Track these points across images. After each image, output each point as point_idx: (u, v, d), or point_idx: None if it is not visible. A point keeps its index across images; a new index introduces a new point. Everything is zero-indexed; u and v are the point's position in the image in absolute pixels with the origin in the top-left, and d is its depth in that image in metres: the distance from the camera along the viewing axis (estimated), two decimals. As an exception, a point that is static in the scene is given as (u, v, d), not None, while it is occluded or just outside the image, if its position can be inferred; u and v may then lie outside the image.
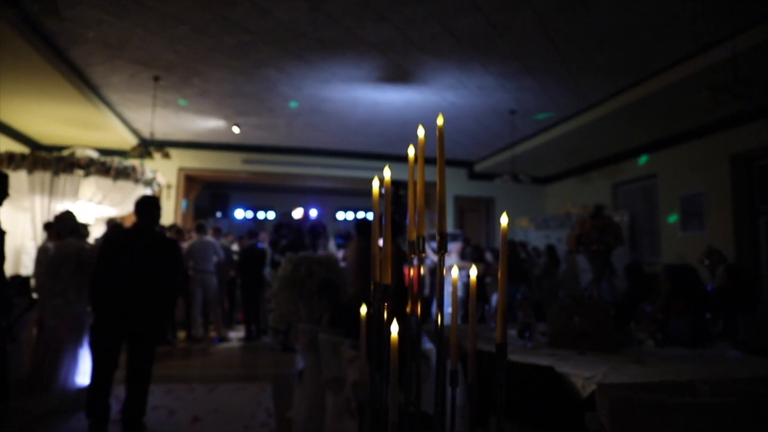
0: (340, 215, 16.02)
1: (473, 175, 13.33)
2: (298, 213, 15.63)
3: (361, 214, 16.06)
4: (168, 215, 11.28)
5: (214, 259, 7.89)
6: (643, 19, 5.57)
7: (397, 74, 7.33)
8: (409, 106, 8.67)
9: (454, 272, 1.52)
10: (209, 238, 8.16)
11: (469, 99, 8.32)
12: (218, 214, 12.15)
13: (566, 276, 10.59)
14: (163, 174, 10.78)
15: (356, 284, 5.68)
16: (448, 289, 9.54)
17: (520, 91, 7.93)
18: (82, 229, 6.94)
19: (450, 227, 12.97)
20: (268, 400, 5.20)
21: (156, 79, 7.54)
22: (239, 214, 14.71)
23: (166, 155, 8.03)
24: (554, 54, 6.54)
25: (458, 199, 13.25)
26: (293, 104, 8.36)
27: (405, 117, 9.31)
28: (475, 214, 13.94)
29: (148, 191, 9.31)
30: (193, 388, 5.62)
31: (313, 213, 15.39)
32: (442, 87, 7.82)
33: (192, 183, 11.93)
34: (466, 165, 13.18)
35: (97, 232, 8.79)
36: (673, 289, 4.35)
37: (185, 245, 8.05)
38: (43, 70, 6.80)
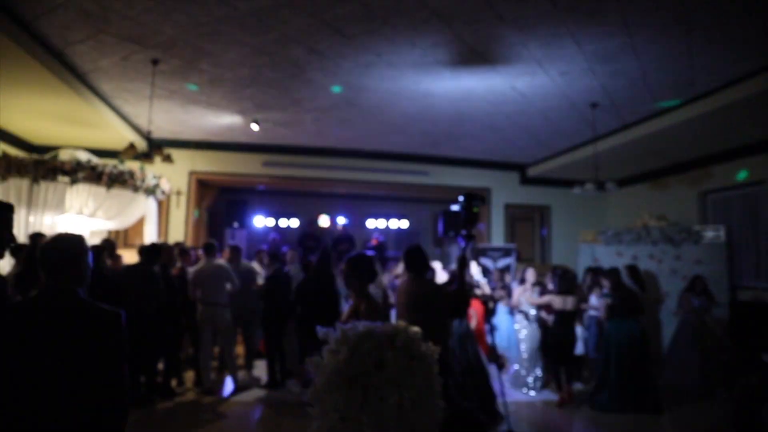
0: (371, 222, 14.37)
1: (526, 180, 11.57)
2: (324, 221, 14.07)
3: (394, 223, 14.40)
4: (178, 228, 9.76)
5: (228, 287, 6.29)
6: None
7: (462, 55, 5.66)
8: (468, 97, 6.98)
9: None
10: (221, 261, 6.56)
11: (545, 88, 6.61)
12: (235, 224, 10.62)
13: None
14: (169, 180, 9.27)
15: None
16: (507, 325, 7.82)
17: (613, 77, 6.19)
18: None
19: (500, 239, 11.24)
20: None
21: (154, 62, 5.99)
22: (259, 221, 13.16)
23: (168, 158, 6.47)
24: (680, 20, 4.81)
25: (509, 208, 11.51)
26: (336, 89, 6.70)
27: (459, 112, 7.63)
28: (527, 225, 12.18)
29: (150, 201, 7.79)
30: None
31: (341, 221, 13.79)
32: (515, 73, 6.13)
33: (205, 189, 10.41)
34: (518, 168, 11.42)
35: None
36: None
37: (192, 270, 6.48)
38: (5, 49, 5.28)
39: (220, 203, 11.32)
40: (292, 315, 6.59)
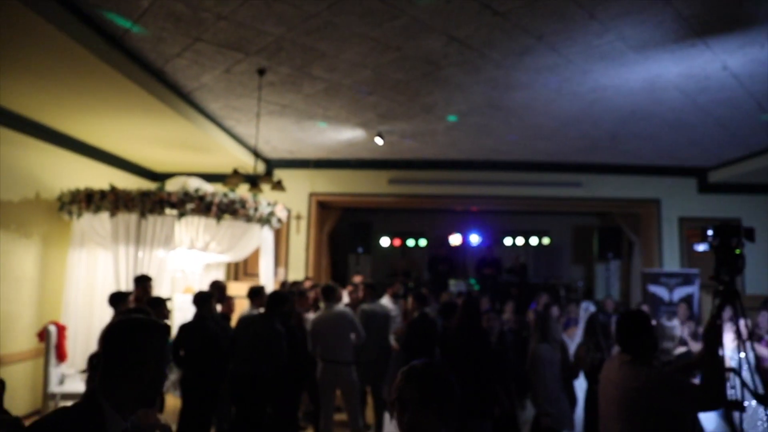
0: (508, 240, 12.72)
1: (706, 188, 9.26)
2: (455, 239, 12.66)
3: (534, 240, 12.60)
4: (298, 257, 8.88)
5: (352, 338, 5.11)
6: None
7: (664, 26, 4.00)
8: (651, 87, 5.24)
9: None
10: (342, 308, 5.38)
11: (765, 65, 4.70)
12: (359, 249, 9.60)
13: None
14: (288, 204, 8.43)
15: None
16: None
17: None
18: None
19: (674, 262, 9.08)
20: None
21: (261, 72, 5.02)
22: (384, 242, 12.08)
23: (279, 186, 5.47)
24: None
25: (685, 222, 9.28)
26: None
27: (634, 107, 5.88)
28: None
29: (266, 230, 6.92)
30: None
31: (475, 239, 12.27)
32: (733, 46, 4.33)
33: (326, 211, 9.51)
34: (696, 174, 9.16)
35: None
36: None
37: (310, 319, 5.39)
38: (98, 70, 4.56)
39: (341, 226, 10.37)
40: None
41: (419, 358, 5.12)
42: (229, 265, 8.76)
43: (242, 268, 8.81)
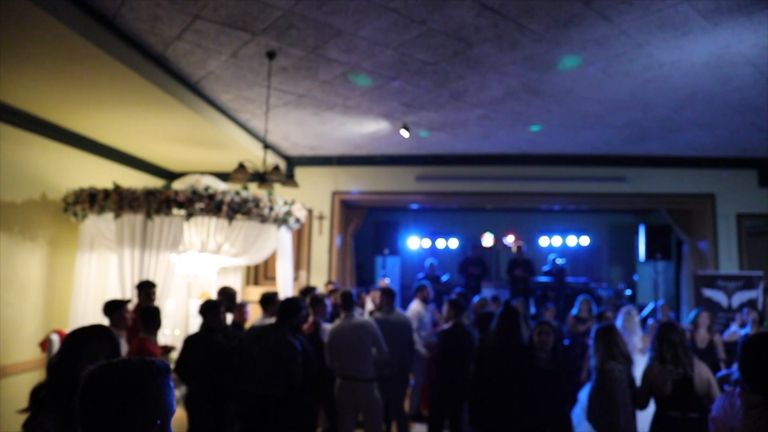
0: (543, 241, 11.98)
1: (768, 181, 8.41)
2: (488, 240, 11.97)
3: (572, 240, 11.82)
4: (320, 260, 8.37)
5: (373, 352, 4.55)
6: None
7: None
8: (718, 63, 4.54)
9: None
10: (364, 319, 4.81)
11: None
12: (386, 251, 9.05)
13: None
14: (309, 203, 7.95)
15: None
16: None
17: None
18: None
19: (732, 264, 8.24)
20: None
21: (270, 55, 4.51)
22: (413, 243, 11.48)
23: (289, 181, 4.95)
24: None
25: (743, 219, 8.42)
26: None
27: (694, 88, 5.17)
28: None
29: (283, 231, 6.43)
30: None
31: (510, 240, 11.57)
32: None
33: (351, 211, 8.98)
34: (757, 165, 8.30)
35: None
36: None
37: (329, 328, 4.84)
38: (96, 58, 4.13)
39: (367, 227, 9.81)
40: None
41: (452, 373, 4.52)
42: (248, 269, 8.33)
43: (262, 272, 8.36)
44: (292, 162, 8.41)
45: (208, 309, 4.44)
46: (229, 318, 5.12)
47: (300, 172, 8.44)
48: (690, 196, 8.39)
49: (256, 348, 4.15)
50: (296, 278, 8.09)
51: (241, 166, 4.59)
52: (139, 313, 4.12)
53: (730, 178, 8.28)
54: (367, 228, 9.83)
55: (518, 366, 4.05)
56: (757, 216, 8.47)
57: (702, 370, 3.38)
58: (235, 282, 7.34)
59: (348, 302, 4.63)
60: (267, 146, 5.11)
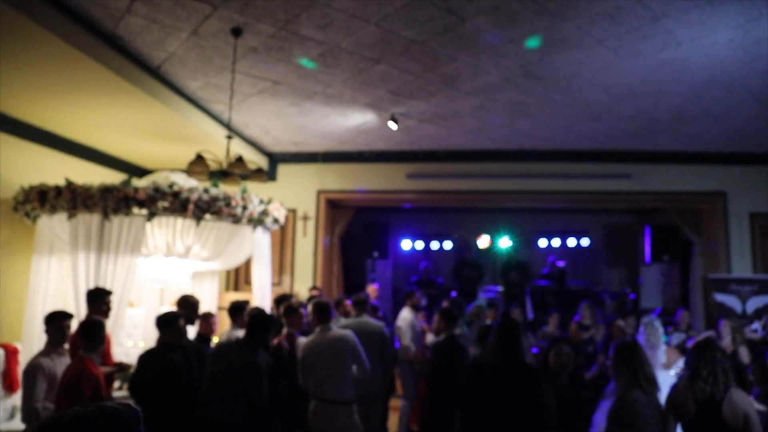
0: (542, 242, 11.44)
1: (782, 177, 7.88)
2: (483, 241, 11.43)
3: (572, 241, 11.27)
4: (305, 264, 7.79)
5: (353, 370, 3.98)
6: None
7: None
8: (744, 36, 4.01)
9: None
10: (343, 332, 4.20)
11: None
12: (375, 254, 8.49)
13: None
14: (292, 202, 7.40)
15: None
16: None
17: None
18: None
19: (745, 266, 7.71)
20: None
21: (236, 32, 3.97)
22: (406, 245, 10.91)
23: (255, 175, 4.40)
24: None
25: (757, 219, 7.88)
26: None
27: (710, 75, 4.64)
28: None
29: (260, 233, 5.86)
30: None
31: (505, 243, 11.00)
32: None
33: (338, 211, 8.42)
34: (770, 161, 7.80)
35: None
36: None
37: (302, 342, 4.26)
38: (40, 38, 3.58)
39: (355, 228, 9.24)
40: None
41: (444, 391, 3.94)
42: (227, 274, 7.77)
43: (243, 277, 7.79)
44: (275, 159, 7.86)
45: (164, 323, 3.88)
46: (193, 331, 4.56)
47: (283, 170, 7.89)
48: (700, 194, 7.87)
49: (217, 367, 3.59)
50: (278, 283, 7.54)
51: (199, 158, 4.04)
52: (81, 327, 3.55)
53: (743, 175, 7.75)
54: (355, 229, 9.26)
55: (520, 389, 3.48)
56: (769, 215, 7.95)
57: (738, 398, 2.83)
58: (212, 288, 6.77)
59: (323, 314, 4.05)
60: (231, 134, 4.53)
